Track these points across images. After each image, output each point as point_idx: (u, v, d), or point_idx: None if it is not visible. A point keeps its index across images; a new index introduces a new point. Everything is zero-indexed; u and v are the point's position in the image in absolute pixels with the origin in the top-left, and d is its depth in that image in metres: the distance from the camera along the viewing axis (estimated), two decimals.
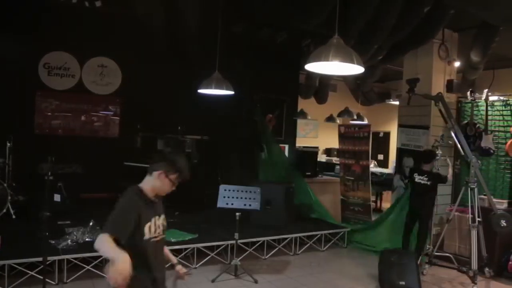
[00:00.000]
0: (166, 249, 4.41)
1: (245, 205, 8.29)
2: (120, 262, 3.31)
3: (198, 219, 10.40)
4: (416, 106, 10.41)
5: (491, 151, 9.85)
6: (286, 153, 14.14)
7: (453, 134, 9.18)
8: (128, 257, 3.39)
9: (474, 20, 9.01)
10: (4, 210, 9.15)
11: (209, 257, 8.75)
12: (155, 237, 3.95)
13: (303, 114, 15.90)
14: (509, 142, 9.51)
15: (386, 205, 15.51)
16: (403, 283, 7.92)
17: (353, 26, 8.73)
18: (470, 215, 8.46)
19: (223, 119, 12.38)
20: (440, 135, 10.37)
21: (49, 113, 11.10)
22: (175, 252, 8.38)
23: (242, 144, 12.69)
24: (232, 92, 9.21)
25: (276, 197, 10.49)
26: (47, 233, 7.34)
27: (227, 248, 8.96)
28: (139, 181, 4.00)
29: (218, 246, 8.92)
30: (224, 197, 8.24)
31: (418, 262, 8.65)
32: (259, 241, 9.48)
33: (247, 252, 9.26)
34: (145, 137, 11.42)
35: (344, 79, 15.69)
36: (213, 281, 8.00)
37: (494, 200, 8.99)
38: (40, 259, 6.78)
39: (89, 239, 8.11)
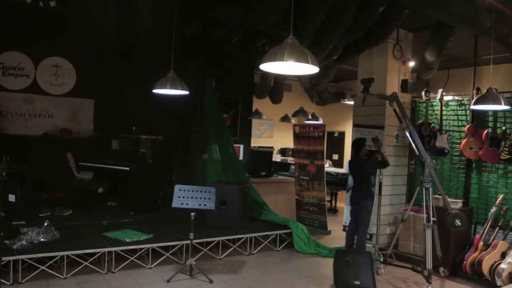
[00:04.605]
0: None
1: (200, 205, 8.23)
2: None
3: (153, 219, 10.34)
4: (371, 106, 10.43)
5: (446, 150, 9.93)
6: (241, 153, 14.14)
7: (407, 134, 9.21)
8: None
9: (429, 19, 9.05)
10: None
11: (164, 257, 8.71)
12: None
13: (258, 114, 15.83)
14: (463, 142, 9.58)
15: (340, 204, 15.60)
16: (358, 282, 7.92)
17: (307, 26, 8.71)
18: (425, 215, 8.48)
19: (178, 119, 12.32)
20: (395, 134, 10.43)
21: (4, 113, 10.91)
22: (130, 252, 8.39)
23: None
24: (187, 92, 9.13)
25: (231, 197, 10.48)
26: (1, 234, 7.25)
27: (182, 248, 8.93)
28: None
29: (173, 246, 8.90)
30: (179, 197, 8.17)
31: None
32: (214, 241, 9.45)
33: (202, 252, 9.26)
34: (99, 137, 11.34)
35: (299, 79, 15.71)
36: (168, 281, 7.95)
37: (449, 199, 9.06)
38: None
39: (43, 239, 8.09)
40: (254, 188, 11.99)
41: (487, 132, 9.29)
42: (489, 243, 8.79)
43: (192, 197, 8.24)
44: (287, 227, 10.73)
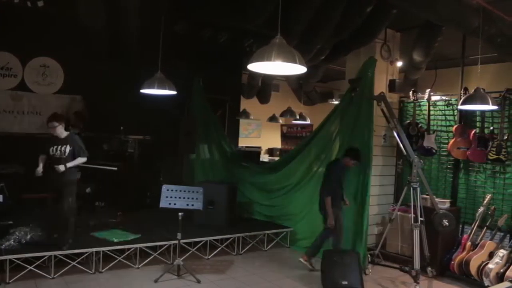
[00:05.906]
0: None
1: (188, 205, 8.25)
2: None
3: (141, 219, 10.35)
4: None
5: (433, 150, 9.93)
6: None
7: (395, 134, 9.22)
8: None
9: (417, 19, 9.03)
10: None
11: (151, 257, 8.72)
12: None
13: (245, 114, 15.83)
14: (451, 141, 9.58)
15: None
16: (346, 282, 7.93)
17: (295, 26, 8.68)
18: (413, 215, 8.51)
19: (166, 119, 12.29)
20: (382, 134, 10.42)
21: None
22: (118, 252, 8.37)
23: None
24: (174, 92, 9.13)
25: (219, 197, 10.48)
26: None
27: (170, 248, 8.91)
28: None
29: (161, 246, 8.89)
30: (167, 197, 8.18)
31: None
32: (202, 241, 9.45)
33: (190, 252, 9.25)
34: (87, 137, 11.30)
35: (287, 79, 15.70)
36: (155, 281, 7.96)
37: (437, 199, 9.06)
38: None
39: (31, 239, 8.04)
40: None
41: (475, 132, 9.29)
42: (476, 243, 8.80)
43: (179, 197, 8.25)
44: (274, 226, 10.72)
